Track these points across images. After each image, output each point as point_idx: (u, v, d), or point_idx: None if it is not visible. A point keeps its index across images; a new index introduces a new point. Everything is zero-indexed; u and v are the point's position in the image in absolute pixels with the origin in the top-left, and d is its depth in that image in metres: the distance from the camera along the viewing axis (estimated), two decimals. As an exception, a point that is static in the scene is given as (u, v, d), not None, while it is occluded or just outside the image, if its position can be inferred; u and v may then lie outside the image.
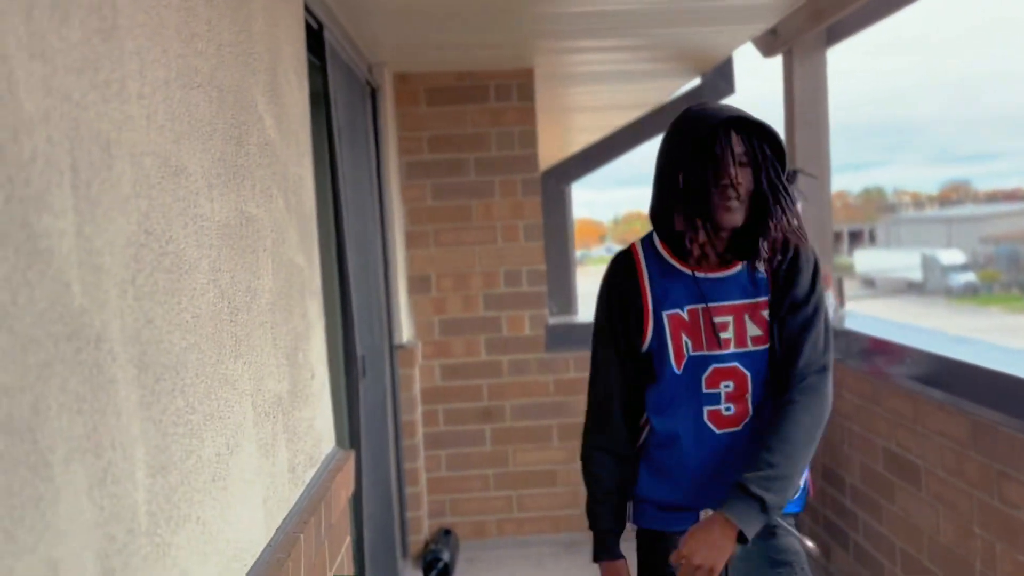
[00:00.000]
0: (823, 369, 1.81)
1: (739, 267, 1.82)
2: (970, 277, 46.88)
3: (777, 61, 3.93)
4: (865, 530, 3.21)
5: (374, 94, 3.82)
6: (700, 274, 1.81)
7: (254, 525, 1.43)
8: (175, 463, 1.10)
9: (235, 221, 1.43)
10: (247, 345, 1.45)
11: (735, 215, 1.73)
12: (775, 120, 4.09)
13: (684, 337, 1.81)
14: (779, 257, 1.81)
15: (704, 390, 1.81)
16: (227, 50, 1.46)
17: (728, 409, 1.81)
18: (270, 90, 1.74)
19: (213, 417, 1.26)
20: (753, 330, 1.81)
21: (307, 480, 1.81)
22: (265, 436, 1.53)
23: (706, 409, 1.82)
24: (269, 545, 1.49)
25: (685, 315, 1.81)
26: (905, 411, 2.89)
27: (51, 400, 0.80)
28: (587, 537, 1.95)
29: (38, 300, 0.79)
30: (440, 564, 3.89)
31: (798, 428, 1.73)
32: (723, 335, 1.80)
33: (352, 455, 2.15)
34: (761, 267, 1.80)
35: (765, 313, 1.81)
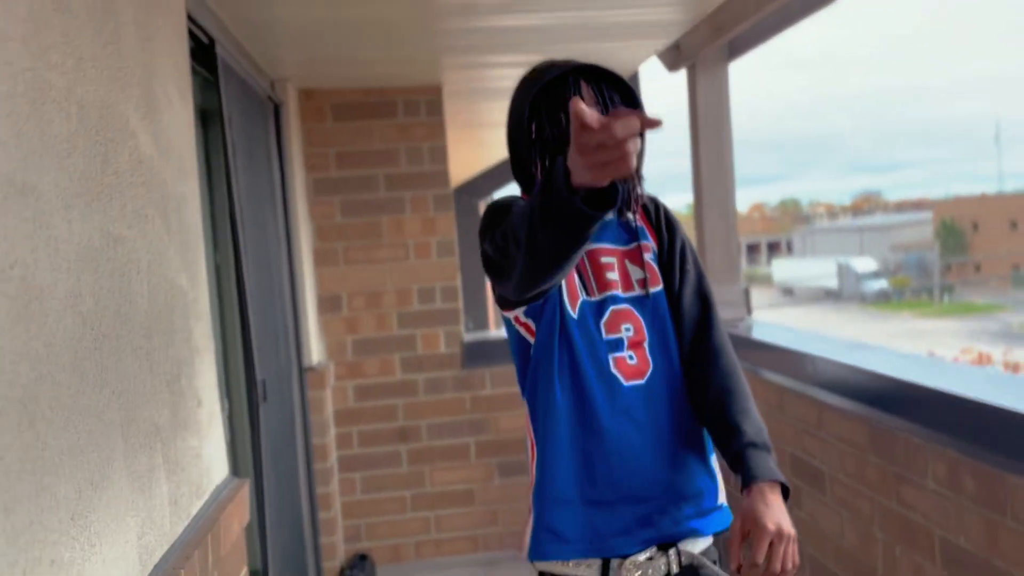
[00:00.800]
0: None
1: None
2: (883, 284, 48.68)
3: (682, 76, 3.99)
4: (776, 537, 3.25)
5: (277, 110, 3.74)
6: None
7: (125, 563, 1.35)
8: (22, 502, 1.03)
9: (100, 243, 1.36)
10: (115, 373, 1.37)
11: None
12: (682, 132, 4.16)
13: (576, 279, 1.65)
14: (650, 205, 1.75)
15: (605, 336, 1.64)
16: (90, 64, 1.39)
17: (631, 358, 1.64)
18: (145, 106, 1.66)
19: (72, 451, 1.18)
20: (636, 273, 1.68)
21: (192, 512, 1.73)
22: (140, 468, 1.45)
23: (611, 357, 1.63)
24: (145, 584, 1.41)
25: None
26: (810, 418, 2.94)
27: None
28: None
29: None
30: (356, 590, 3.80)
31: (739, 373, 1.69)
32: (609, 275, 1.66)
33: (246, 483, 2.07)
34: (633, 215, 1.71)
35: (648, 257, 1.69)
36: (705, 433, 1.70)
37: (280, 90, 3.75)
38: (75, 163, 1.29)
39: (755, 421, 1.63)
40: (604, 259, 1.67)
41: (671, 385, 1.68)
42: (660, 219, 1.75)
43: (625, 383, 1.63)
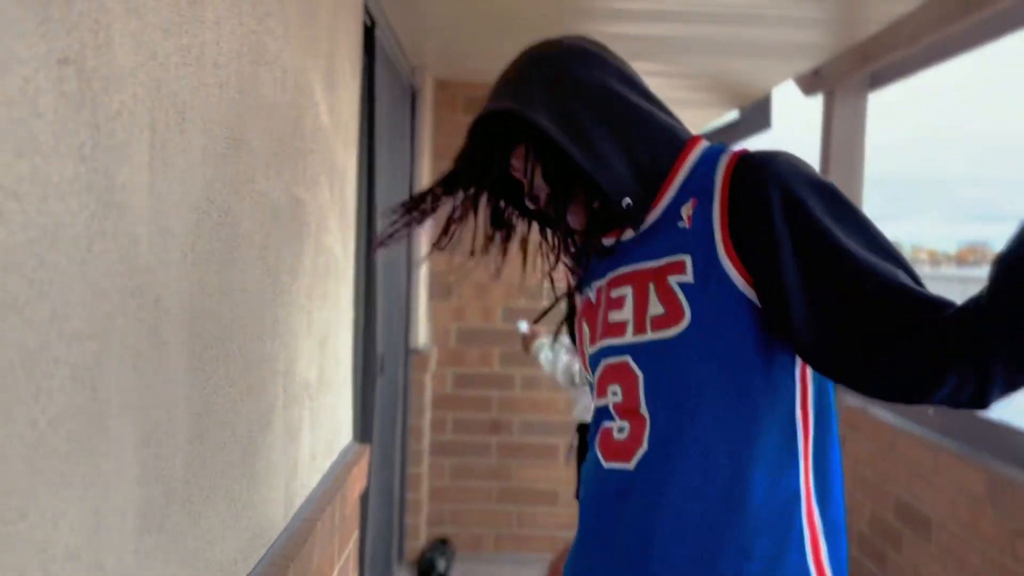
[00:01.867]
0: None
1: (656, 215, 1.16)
2: (981, 339, 46.56)
3: (815, 102, 3.94)
4: (868, 578, 3.18)
5: (414, 96, 3.84)
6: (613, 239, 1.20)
7: (275, 507, 1.42)
8: (212, 433, 1.10)
9: (286, 201, 1.44)
10: (285, 326, 1.45)
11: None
12: (812, 161, 4.09)
13: (585, 325, 1.27)
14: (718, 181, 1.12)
15: (597, 399, 1.22)
16: (293, 33, 1.47)
17: (621, 430, 1.17)
18: (327, 78, 1.75)
19: (250, 393, 1.26)
20: (655, 308, 1.12)
21: (325, 469, 1.80)
22: (292, 419, 1.52)
23: (601, 427, 1.22)
24: (286, 529, 1.48)
25: (593, 294, 1.25)
26: (923, 461, 2.86)
27: (112, 353, 0.80)
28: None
29: (111, 251, 0.79)
30: (435, 573, 3.86)
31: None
32: (615, 315, 1.18)
33: (368, 450, 2.15)
34: (684, 214, 1.13)
35: (676, 281, 1.11)
36: None
37: (419, 77, 3.85)
38: (276, 124, 1.37)
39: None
40: (617, 292, 1.18)
41: (687, 482, 1.10)
42: (738, 202, 1.09)
43: (604, 464, 1.18)
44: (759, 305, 1.09)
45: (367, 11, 2.56)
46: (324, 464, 1.81)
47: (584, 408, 3.21)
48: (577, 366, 3.17)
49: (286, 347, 1.46)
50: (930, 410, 2.84)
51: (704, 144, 1.20)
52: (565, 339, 3.45)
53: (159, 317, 0.91)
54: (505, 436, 4.25)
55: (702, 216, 1.11)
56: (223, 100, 1.10)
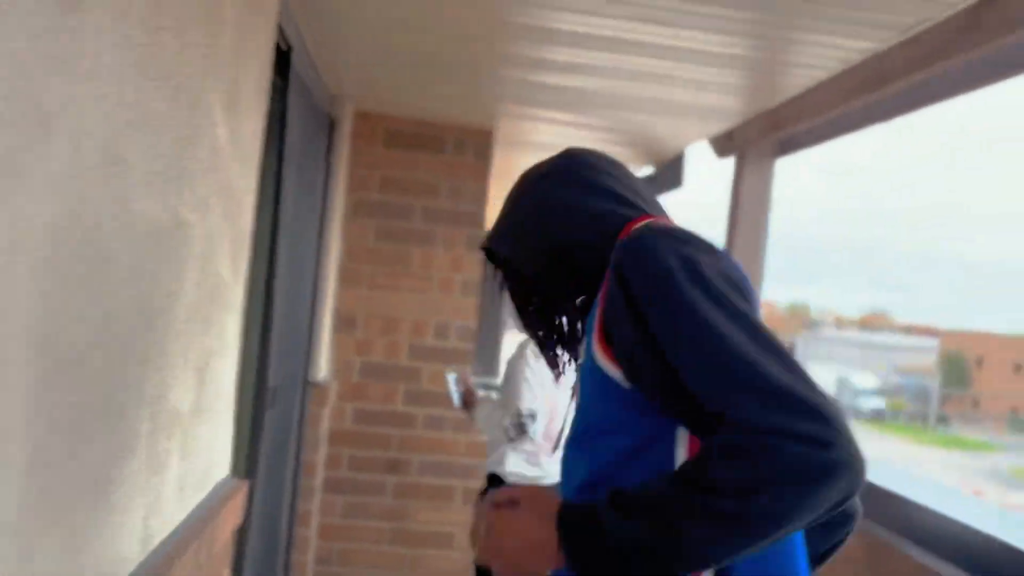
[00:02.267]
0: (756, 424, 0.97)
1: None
2: (879, 403, 48.42)
3: (727, 163, 4.05)
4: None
5: (332, 126, 3.80)
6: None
7: (129, 542, 1.34)
8: (57, 462, 1.03)
9: (167, 224, 1.38)
10: (157, 351, 1.39)
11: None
12: (719, 222, 4.20)
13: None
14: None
15: None
16: (192, 51, 1.43)
17: None
18: (229, 100, 1.70)
19: (108, 420, 1.19)
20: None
21: (194, 504, 1.72)
22: (158, 450, 1.45)
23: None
24: (142, 565, 1.40)
25: None
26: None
27: (-68, 371, 0.74)
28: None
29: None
30: (318, 614, 3.74)
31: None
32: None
33: (245, 486, 2.07)
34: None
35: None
36: None
37: (338, 107, 3.82)
38: (163, 142, 1.32)
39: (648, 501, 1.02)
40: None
41: None
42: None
43: None
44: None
45: (283, 35, 2.53)
46: (194, 498, 1.73)
47: (498, 459, 3.08)
48: (508, 421, 3.06)
49: (156, 373, 1.40)
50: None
51: (632, 229, 1.18)
52: (493, 394, 3.40)
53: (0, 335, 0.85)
54: (403, 476, 4.17)
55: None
56: (98, 113, 1.06)
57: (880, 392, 50.12)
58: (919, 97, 2.77)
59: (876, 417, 46.46)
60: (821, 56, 2.66)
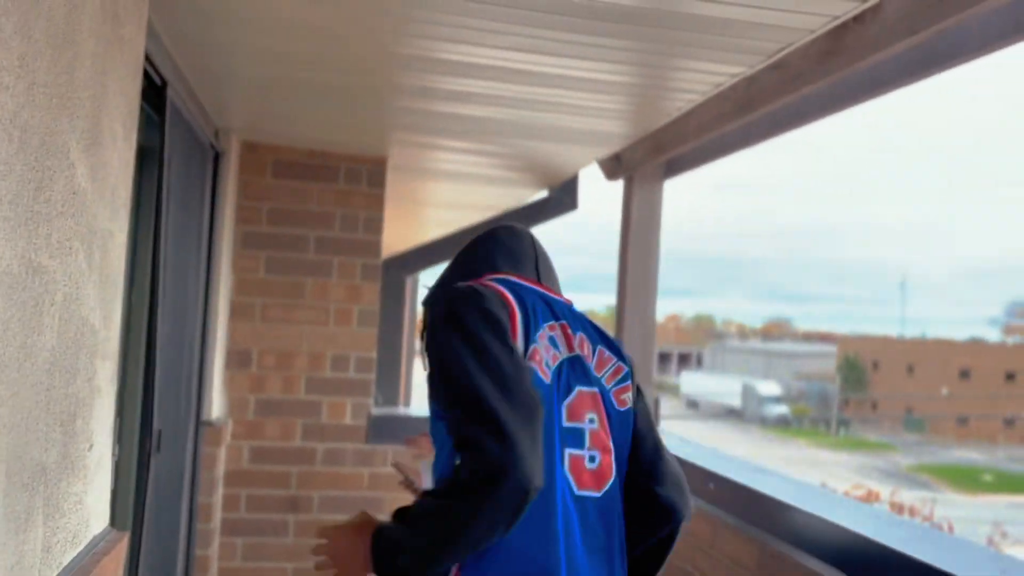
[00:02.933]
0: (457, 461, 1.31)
1: None
2: (783, 409, 49.95)
3: (619, 185, 4.13)
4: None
5: (217, 158, 3.71)
6: None
7: (-16, 611, 1.26)
8: None
9: (19, 270, 1.32)
10: (10, 406, 1.31)
11: None
12: (613, 237, 4.26)
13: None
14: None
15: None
16: (40, 90, 1.37)
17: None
18: (89, 138, 1.64)
19: (-51, 484, 1.12)
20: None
21: (64, 563, 1.64)
22: (18, 509, 1.37)
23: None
24: (1, 634, 1.32)
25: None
26: (703, 535, 2.97)
27: None
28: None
29: None
30: (220, 663, 3.60)
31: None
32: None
33: (125, 537, 1.98)
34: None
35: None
36: None
37: (223, 139, 3.74)
38: (8, 186, 1.26)
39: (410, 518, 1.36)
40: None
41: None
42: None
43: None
44: None
45: (156, 70, 2.46)
46: (64, 556, 1.64)
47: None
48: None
49: (11, 430, 1.32)
50: (711, 483, 2.96)
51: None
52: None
53: None
54: (304, 514, 4.07)
55: None
56: (-76, 160, 1.00)
57: (784, 399, 51.73)
58: (789, 118, 2.89)
59: (781, 423, 47.90)
60: (696, 81, 2.75)
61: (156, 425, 2.62)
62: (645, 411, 1.61)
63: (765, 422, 47.37)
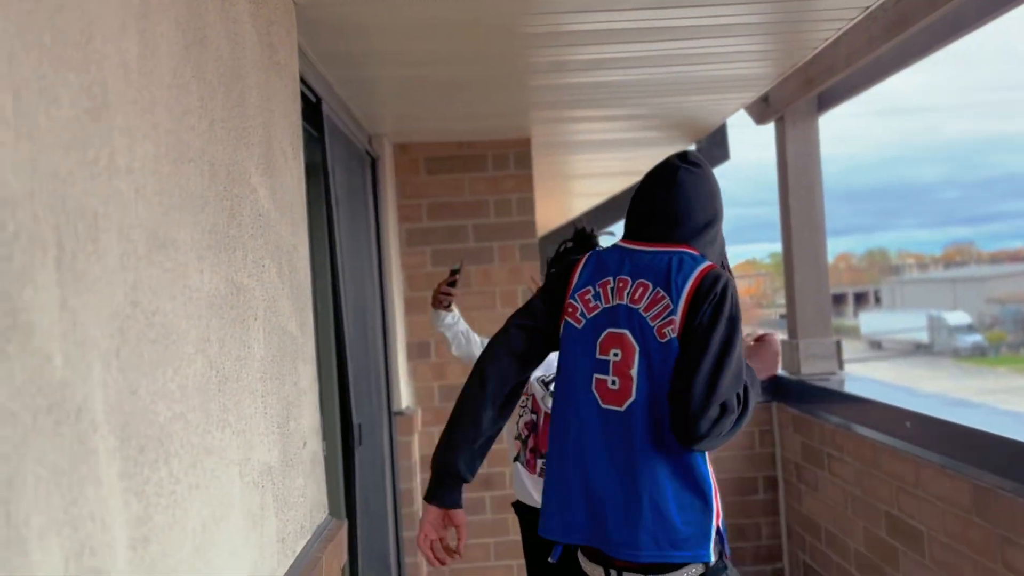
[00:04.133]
0: None
1: None
2: (977, 338, 46.69)
3: (771, 128, 4.00)
4: (871, 598, 3.15)
5: (374, 164, 3.89)
6: None
7: (240, 597, 1.41)
8: (157, 534, 1.10)
9: (225, 291, 1.45)
10: (235, 414, 1.46)
11: None
12: (771, 183, 4.13)
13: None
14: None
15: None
16: (219, 125, 1.50)
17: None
18: (264, 163, 1.78)
19: (199, 487, 1.26)
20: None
21: (298, 550, 1.79)
22: (253, 506, 1.52)
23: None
24: (256, 618, 1.47)
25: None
26: (907, 476, 2.86)
27: (27, 473, 0.80)
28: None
29: (16, 373, 0.80)
30: (440, 637, 3.81)
31: None
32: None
33: (344, 525, 2.14)
34: None
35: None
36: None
37: (377, 145, 3.90)
38: (207, 217, 1.39)
39: None
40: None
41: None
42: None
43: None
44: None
45: (310, 88, 2.61)
46: (296, 545, 1.80)
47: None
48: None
49: (239, 435, 1.46)
50: (907, 422, 2.84)
51: None
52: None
53: (82, 429, 0.92)
54: (498, 490, 4.22)
55: None
56: (140, 203, 1.13)
57: (977, 327, 48.37)
58: (943, 31, 2.71)
59: (977, 353, 44.84)
60: (840, 5, 2.62)
61: (355, 419, 2.79)
62: (693, 334, 1.79)
63: (958, 354, 44.45)
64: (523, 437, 2.81)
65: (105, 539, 0.95)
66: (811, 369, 3.79)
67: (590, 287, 1.90)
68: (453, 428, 1.97)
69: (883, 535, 3.03)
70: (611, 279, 1.89)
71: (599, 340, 1.86)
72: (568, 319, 1.91)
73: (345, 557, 2.13)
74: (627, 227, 1.98)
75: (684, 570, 1.78)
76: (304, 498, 1.89)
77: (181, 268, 1.26)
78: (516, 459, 2.82)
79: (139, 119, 1.14)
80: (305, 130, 2.73)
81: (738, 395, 1.79)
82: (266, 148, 1.79)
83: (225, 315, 1.44)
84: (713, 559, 1.79)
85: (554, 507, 1.89)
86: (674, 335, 1.80)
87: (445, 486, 1.94)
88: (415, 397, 4.23)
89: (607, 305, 1.87)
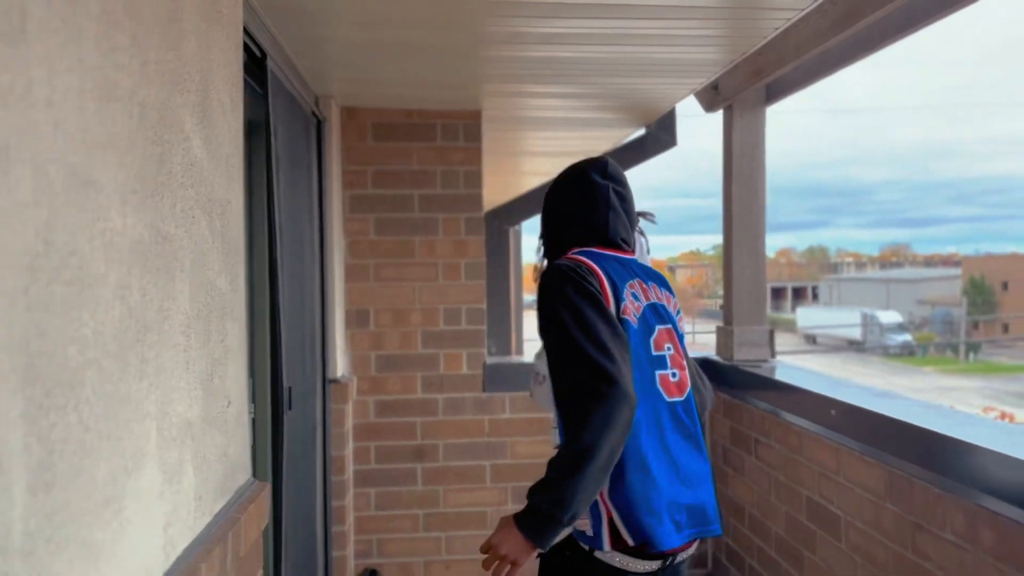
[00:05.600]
0: (570, 397, 1.79)
1: None
2: (907, 337, 48.08)
3: (719, 116, 4.03)
4: (788, 581, 3.23)
5: (320, 126, 3.82)
6: None
7: (151, 552, 1.38)
8: (61, 481, 1.06)
9: (150, 239, 1.41)
10: (155, 366, 1.42)
11: None
12: (715, 174, 4.17)
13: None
14: None
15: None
16: (153, 68, 1.44)
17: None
18: (200, 112, 1.72)
19: (111, 437, 1.22)
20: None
21: (215, 510, 1.76)
22: (170, 461, 1.49)
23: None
24: (167, 573, 1.44)
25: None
26: (828, 462, 2.93)
27: (-83, 406, 0.77)
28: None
29: (-91, 301, 0.76)
30: (363, 605, 3.80)
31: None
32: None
33: (267, 487, 2.10)
34: None
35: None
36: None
37: (324, 106, 3.83)
38: (133, 161, 1.34)
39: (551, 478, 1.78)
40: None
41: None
42: None
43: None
44: None
45: (256, 42, 2.54)
46: (215, 505, 1.77)
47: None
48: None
49: (157, 387, 1.43)
50: (832, 410, 2.90)
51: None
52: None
53: (-19, 366, 0.88)
54: (430, 462, 4.22)
55: None
56: (59, 138, 1.08)
57: (907, 327, 49.80)
58: (891, 28, 2.75)
59: (906, 352, 46.18)
60: (792, -4, 2.64)
61: (285, 383, 2.75)
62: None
63: (888, 352, 45.75)
64: None
65: (1, 482, 0.92)
66: (744, 356, 3.85)
67: (625, 286, 1.93)
68: (594, 478, 1.72)
69: (803, 520, 3.10)
70: (633, 280, 1.97)
71: (652, 338, 1.93)
72: (627, 318, 1.89)
73: (267, 520, 2.10)
74: (594, 235, 2.04)
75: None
76: (225, 457, 1.86)
77: (103, 210, 1.21)
78: None
79: (62, 49, 1.09)
80: (249, 85, 2.67)
81: None
82: (202, 97, 1.74)
83: (149, 263, 1.40)
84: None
85: (659, 518, 1.83)
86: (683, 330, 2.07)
87: (555, 534, 1.77)
88: (352, 365, 4.19)
89: (647, 302, 1.96)
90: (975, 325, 51.36)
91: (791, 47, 3.12)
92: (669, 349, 1.94)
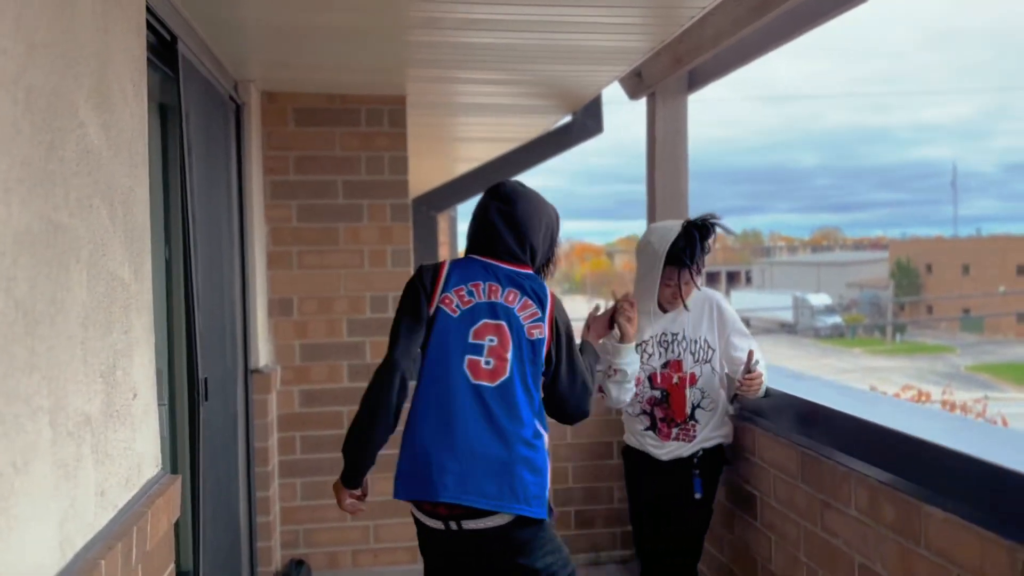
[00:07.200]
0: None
1: None
2: (837, 320, 49.42)
3: (643, 104, 4.07)
4: (707, 560, 3.30)
5: (239, 111, 3.74)
6: None
7: (45, 549, 1.34)
8: (-62, 481, 1.03)
9: (39, 229, 1.36)
10: (47, 359, 1.38)
11: None
12: (640, 161, 4.21)
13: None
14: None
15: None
16: (41, 51, 1.40)
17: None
18: (97, 97, 1.67)
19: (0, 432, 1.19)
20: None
21: (120, 505, 1.72)
22: (66, 456, 1.45)
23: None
24: (64, 571, 1.41)
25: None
26: (746, 443, 3.00)
27: None
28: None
29: None
30: (290, 596, 3.77)
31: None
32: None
33: (178, 480, 2.07)
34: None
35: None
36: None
37: (243, 91, 3.76)
38: (19, 147, 1.30)
39: None
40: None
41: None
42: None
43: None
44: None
45: (164, 25, 2.48)
46: (119, 499, 1.73)
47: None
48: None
49: (51, 381, 1.39)
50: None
51: None
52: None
53: None
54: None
55: None
56: (-71, 126, 1.04)
57: (836, 309, 51.17)
58: (806, 16, 2.81)
59: (836, 334, 47.48)
60: (707, -15, 2.67)
61: (201, 373, 2.71)
62: (560, 345, 2.28)
63: (819, 334, 46.97)
64: (649, 411, 2.90)
65: None
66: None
67: (462, 285, 2.26)
68: (359, 426, 2.34)
69: (722, 499, 3.17)
70: (482, 282, 2.26)
71: (474, 328, 2.22)
72: (444, 307, 2.25)
73: (178, 512, 2.06)
74: (478, 245, 2.34)
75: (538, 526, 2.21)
76: (130, 451, 1.82)
77: (-18, 200, 1.17)
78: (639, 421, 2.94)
79: (-70, 33, 1.05)
80: (159, 70, 2.60)
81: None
82: (99, 81, 1.69)
83: (38, 254, 1.36)
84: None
85: (430, 470, 2.20)
86: (542, 336, 2.24)
87: (353, 472, 2.39)
88: (275, 355, 4.13)
89: (481, 300, 2.25)
90: (901, 307, 53.07)
91: (710, 35, 3.16)
92: (491, 340, 2.20)
